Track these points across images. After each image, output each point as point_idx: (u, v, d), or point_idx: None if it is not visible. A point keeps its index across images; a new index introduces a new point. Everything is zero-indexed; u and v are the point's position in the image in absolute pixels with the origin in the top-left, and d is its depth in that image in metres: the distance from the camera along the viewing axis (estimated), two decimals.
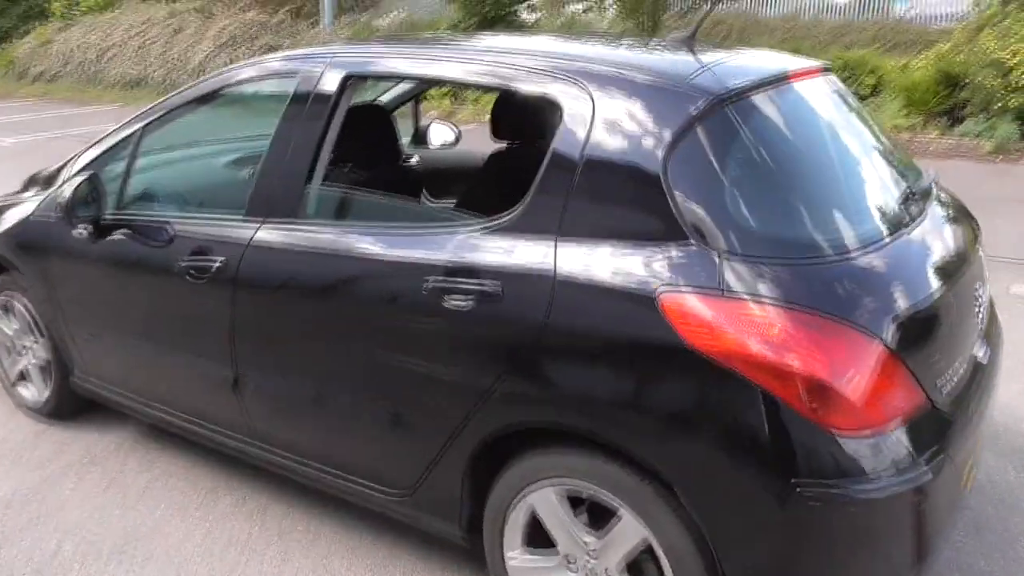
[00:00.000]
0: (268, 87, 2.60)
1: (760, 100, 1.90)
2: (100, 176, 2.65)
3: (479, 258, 1.91)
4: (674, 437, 1.70)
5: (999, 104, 8.11)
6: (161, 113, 2.69)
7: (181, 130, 2.88)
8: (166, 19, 14.65)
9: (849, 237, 1.75)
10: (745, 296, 1.63)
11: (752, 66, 2.06)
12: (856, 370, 1.60)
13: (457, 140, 3.84)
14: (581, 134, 1.85)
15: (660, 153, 1.75)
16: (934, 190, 2.21)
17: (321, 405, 2.30)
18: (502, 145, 2.90)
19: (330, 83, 2.27)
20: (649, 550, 1.82)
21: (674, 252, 1.70)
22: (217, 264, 2.33)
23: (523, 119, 2.80)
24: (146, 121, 2.70)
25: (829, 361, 1.58)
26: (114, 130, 2.84)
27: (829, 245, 1.71)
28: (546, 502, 1.94)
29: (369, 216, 2.32)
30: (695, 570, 1.75)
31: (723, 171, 1.77)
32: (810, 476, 1.59)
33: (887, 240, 1.82)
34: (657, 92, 1.85)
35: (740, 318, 1.62)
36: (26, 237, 2.98)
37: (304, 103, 2.30)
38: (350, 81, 2.28)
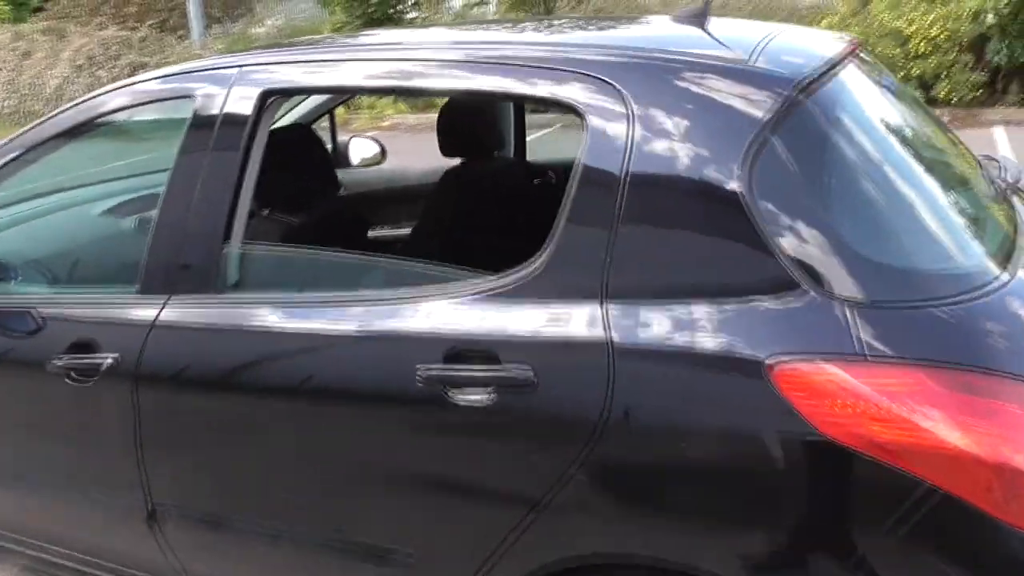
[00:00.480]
0: (151, 115, 1.98)
1: (839, 88, 1.46)
2: None
3: (494, 331, 1.38)
4: (811, 565, 1.23)
5: (901, 72, 8.19)
6: (5, 160, 1.99)
7: (36, 180, 2.21)
8: (11, 43, 13.28)
9: (989, 260, 1.33)
10: (893, 359, 1.17)
11: (806, 44, 1.60)
12: None
13: (383, 156, 3.27)
14: (616, 153, 1.34)
15: (738, 167, 1.26)
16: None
17: (276, 538, 1.70)
18: (452, 162, 2.35)
19: (242, 105, 1.67)
20: None
21: (779, 304, 1.22)
22: (108, 361, 1.70)
23: (484, 129, 2.29)
24: None
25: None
26: None
27: (974, 275, 1.27)
28: None
29: (318, 280, 1.73)
30: None
31: (828, 187, 1.31)
32: None
33: (1016, 256, 1.39)
34: (717, 83, 1.35)
35: (891, 390, 1.16)
36: None
37: (208, 135, 1.69)
38: (270, 100, 1.69)
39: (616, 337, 1.28)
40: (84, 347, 1.74)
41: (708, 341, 1.24)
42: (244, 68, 1.74)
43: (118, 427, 1.75)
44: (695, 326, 1.25)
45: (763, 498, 1.23)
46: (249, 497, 1.70)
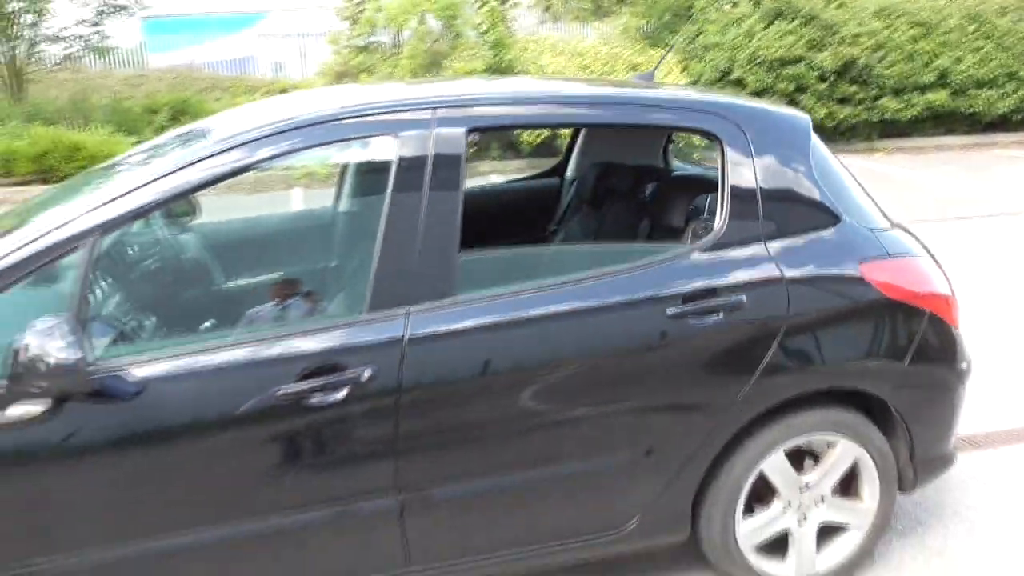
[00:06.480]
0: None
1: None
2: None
3: (713, 274, 2.24)
4: (893, 363, 2.40)
5: None
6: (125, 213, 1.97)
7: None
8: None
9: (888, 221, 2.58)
10: (900, 254, 2.44)
11: None
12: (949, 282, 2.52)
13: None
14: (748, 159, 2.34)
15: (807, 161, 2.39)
16: None
17: (530, 485, 2.19)
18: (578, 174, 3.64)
19: (451, 142, 2.08)
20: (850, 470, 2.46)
21: (838, 229, 2.38)
22: (364, 376, 1.94)
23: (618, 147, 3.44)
24: (103, 220, 1.94)
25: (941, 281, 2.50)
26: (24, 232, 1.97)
27: (883, 223, 2.54)
28: (776, 464, 2.38)
29: (552, 270, 2.25)
30: (891, 460, 2.49)
31: (835, 166, 2.51)
32: (965, 359, 2.54)
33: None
34: (787, 118, 2.53)
35: (907, 269, 2.43)
36: None
37: (421, 168, 2.06)
38: (471, 135, 2.13)
39: (777, 257, 2.29)
40: (322, 371, 1.94)
41: (823, 255, 2.34)
42: (439, 107, 2.14)
43: (373, 436, 2.00)
44: (810, 246, 2.33)
45: (863, 335, 2.37)
46: (514, 457, 2.16)
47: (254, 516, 2.01)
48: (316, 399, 1.94)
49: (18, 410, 1.81)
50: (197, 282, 2.77)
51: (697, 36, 11.99)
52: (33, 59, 11.84)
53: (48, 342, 1.72)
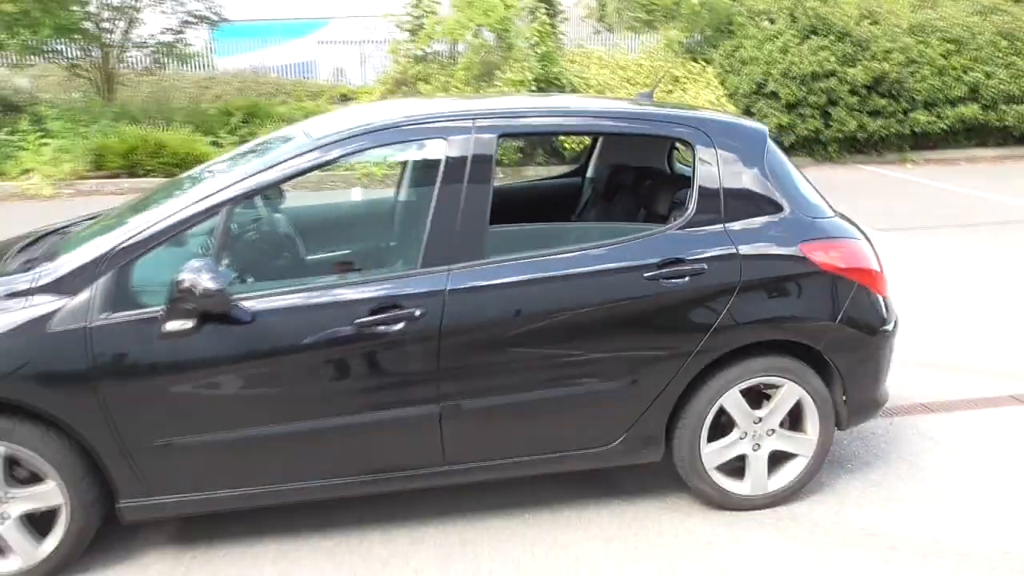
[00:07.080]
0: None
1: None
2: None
3: (680, 248, 2.94)
4: (825, 323, 3.08)
5: None
6: (246, 191, 2.79)
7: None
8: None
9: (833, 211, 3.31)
10: (838, 237, 3.12)
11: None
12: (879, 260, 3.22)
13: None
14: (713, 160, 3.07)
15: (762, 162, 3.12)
16: None
17: (538, 406, 2.90)
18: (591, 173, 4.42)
19: (486, 144, 2.85)
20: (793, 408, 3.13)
21: (783, 215, 3.08)
22: (416, 314, 2.72)
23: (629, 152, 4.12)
24: (231, 196, 2.74)
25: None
26: (167, 203, 2.82)
27: (826, 211, 3.24)
28: (733, 400, 3.05)
29: (561, 243, 2.97)
30: (828, 401, 3.13)
31: (788, 167, 3.25)
32: (891, 322, 3.23)
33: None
34: (748, 128, 3.26)
35: (843, 249, 3.11)
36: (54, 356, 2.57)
37: (463, 164, 2.83)
38: (501, 140, 2.92)
39: (733, 236, 2.97)
40: (387, 308, 2.72)
41: (771, 235, 3.03)
42: (479, 118, 2.94)
43: (421, 358, 2.75)
44: (760, 229, 3.01)
45: (802, 299, 3.04)
46: (528, 382, 2.86)
47: (333, 414, 2.78)
48: (382, 328, 2.69)
49: (175, 325, 2.60)
50: (290, 246, 3.56)
51: (735, 51, 12.58)
52: (122, 63, 13.00)
53: (199, 276, 2.49)
